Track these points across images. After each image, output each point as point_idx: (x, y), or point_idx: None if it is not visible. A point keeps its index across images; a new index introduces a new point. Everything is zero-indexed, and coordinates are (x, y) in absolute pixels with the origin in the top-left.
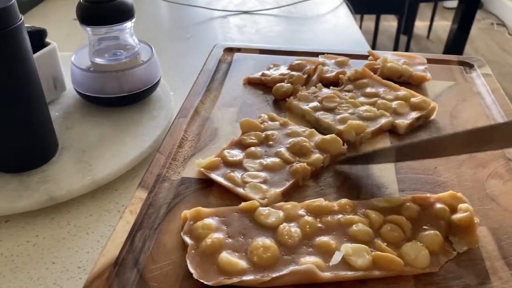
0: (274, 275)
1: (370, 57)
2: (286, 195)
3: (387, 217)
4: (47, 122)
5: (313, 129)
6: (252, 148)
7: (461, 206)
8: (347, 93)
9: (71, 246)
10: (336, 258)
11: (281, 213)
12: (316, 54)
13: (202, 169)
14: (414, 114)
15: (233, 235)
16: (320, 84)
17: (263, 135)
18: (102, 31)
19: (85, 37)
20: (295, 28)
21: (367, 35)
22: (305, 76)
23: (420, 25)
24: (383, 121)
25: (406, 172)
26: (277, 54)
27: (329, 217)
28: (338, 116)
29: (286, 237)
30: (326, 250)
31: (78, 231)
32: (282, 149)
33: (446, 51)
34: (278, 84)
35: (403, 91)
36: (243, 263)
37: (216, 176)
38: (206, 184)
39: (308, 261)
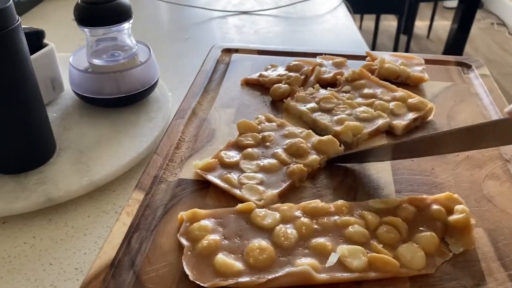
0: (270, 277)
1: (368, 58)
2: (283, 196)
3: (383, 218)
4: (45, 123)
5: (310, 130)
6: (249, 149)
7: (458, 207)
8: (344, 94)
9: (68, 247)
10: (332, 259)
11: (277, 215)
12: (314, 55)
13: (198, 170)
14: (411, 115)
15: (229, 236)
16: (317, 85)
17: (260, 136)
18: (100, 32)
19: (84, 37)
20: (294, 28)
21: (367, 35)
22: (302, 77)
23: (420, 24)
24: (380, 122)
25: (403, 173)
26: (275, 55)
27: (325, 219)
28: (335, 117)
29: (282, 238)
30: (322, 251)
31: (75, 232)
32: (279, 150)
33: (446, 51)
34: (275, 85)
35: (400, 92)
36: (239, 265)
37: (212, 178)
38: (203, 185)
39: (304, 263)
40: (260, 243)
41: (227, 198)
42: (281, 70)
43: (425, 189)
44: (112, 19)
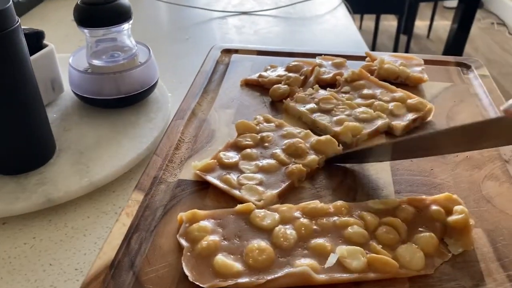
0: (269, 278)
1: (367, 59)
2: (282, 197)
3: (383, 219)
4: (45, 124)
5: (308, 131)
6: (248, 150)
7: (457, 208)
8: (343, 95)
9: (68, 248)
10: (331, 260)
11: (276, 215)
12: (313, 56)
13: (198, 171)
14: (410, 116)
15: (229, 237)
16: (317, 86)
17: (259, 137)
18: (99, 33)
19: (84, 38)
20: (294, 28)
21: (367, 35)
22: (302, 77)
23: (420, 24)
24: (379, 122)
25: (402, 173)
26: (274, 55)
27: (324, 219)
28: (335, 118)
29: (282, 239)
30: (321, 252)
31: (75, 233)
32: (278, 151)
33: (446, 51)
34: (275, 86)
35: (399, 93)
36: (238, 266)
37: (212, 179)
38: (202, 186)
39: (303, 263)
40: (259, 243)
41: (226, 199)
42: (280, 71)
43: (424, 189)
44: (112, 20)
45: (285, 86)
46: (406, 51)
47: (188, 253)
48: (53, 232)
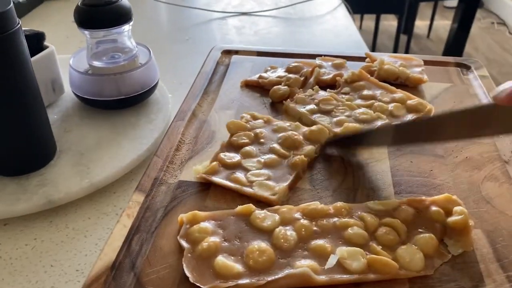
0: (269, 279)
1: (367, 59)
2: (291, 189)
3: (382, 220)
4: (46, 125)
5: (297, 123)
6: (247, 148)
7: (456, 208)
8: (343, 96)
9: (69, 249)
10: (331, 261)
11: (277, 217)
12: (313, 56)
13: (203, 175)
14: (410, 117)
15: (229, 238)
16: (317, 87)
17: (253, 134)
18: (100, 35)
19: (84, 39)
20: (294, 29)
21: (367, 35)
22: (302, 78)
23: (420, 24)
24: (379, 123)
25: (402, 174)
26: (274, 56)
27: (324, 220)
28: (335, 119)
29: (282, 240)
30: (322, 253)
31: (76, 234)
32: (275, 145)
33: (446, 51)
34: (275, 87)
35: (399, 94)
36: (238, 267)
37: (220, 180)
38: (203, 187)
39: (304, 265)
40: (259, 245)
41: (227, 200)
42: (280, 72)
43: (424, 190)
44: (112, 22)
45: (285, 87)
46: (406, 51)
47: (189, 254)
48: (54, 233)
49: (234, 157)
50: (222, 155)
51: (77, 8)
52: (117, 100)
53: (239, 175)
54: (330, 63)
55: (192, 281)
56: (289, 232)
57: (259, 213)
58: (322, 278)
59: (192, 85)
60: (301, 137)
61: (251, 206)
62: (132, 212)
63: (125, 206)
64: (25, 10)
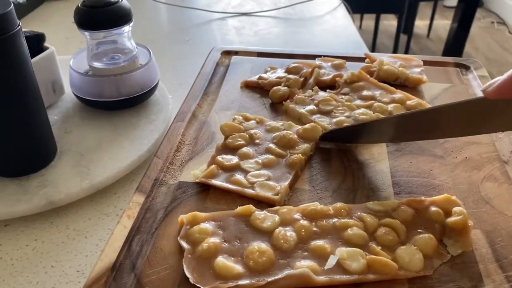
0: (269, 279)
1: (367, 60)
2: (291, 188)
3: (382, 220)
4: (46, 126)
5: (290, 122)
6: (244, 149)
7: (456, 209)
8: (343, 96)
9: (70, 250)
10: (331, 262)
11: (276, 217)
12: (313, 57)
13: (202, 179)
14: None
15: (229, 239)
16: (316, 87)
17: (247, 136)
18: (100, 36)
19: (84, 40)
20: (294, 29)
21: (367, 35)
22: (301, 79)
23: (420, 24)
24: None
25: (402, 175)
26: (274, 57)
27: (324, 221)
28: (335, 119)
29: (282, 241)
30: (321, 254)
31: (77, 235)
32: (271, 145)
33: (446, 50)
34: (275, 88)
35: (399, 94)
36: (239, 268)
37: (220, 183)
38: (203, 188)
39: (303, 265)
40: (259, 245)
41: (227, 201)
42: (280, 72)
43: (424, 190)
44: (112, 23)
45: (285, 87)
46: (406, 50)
47: (189, 255)
48: (55, 234)
49: (232, 159)
50: (219, 158)
51: (77, 9)
52: (117, 101)
53: (239, 177)
54: (329, 64)
55: (192, 282)
56: (289, 233)
57: (259, 214)
58: (322, 278)
59: (192, 86)
60: (295, 135)
61: (251, 207)
62: (132, 213)
63: (126, 207)
64: (25, 11)
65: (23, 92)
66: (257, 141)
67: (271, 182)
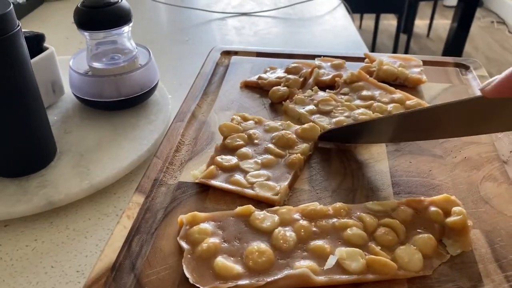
0: (269, 279)
1: (366, 60)
2: (291, 188)
3: (381, 220)
4: (46, 126)
5: (289, 122)
6: (243, 150)
7: (455, 209)
8: (343, 96)
9: (69, 250)
10: (331, 262)
11: (276, 218)
12: (312, 57)
13: (202, 180)
14: None
15: (229, 239)
16: (316, 87)
17: (246, 136)
18: (100, 36)
19: (84, 40)
20: (293, 29)
21: (367, 34)
22: (301, 79)
23: (420, 23)
24: None
25: (401, 175)
26: (274, 57)
27: (323, 221)
28: (334, 119)
29: (281, 241)
30: (321, 254)
31: (76, 235)
32: (270, 145)
33: (446, 50)
34: (274, 88)
35: (398, 94)
36: (238, 268)
37: (219, 184)
38: (202, 188)
39: (303, 265)
40: (259, 246)
41: (226, 201)
42: (280, 73)
43: (423, 190)
44: (112, 23)
45: (285, 88)
46: (406, 50)
47: (189, 256)
48: (55, 234)
49: (231, 159)
50: (219, 158)
51: (76, 9)
52: (117, 101)
53: (239, 177)
54: (329, 64)
55: (192, 282)
56: (289, 233)
57: (259, 214)
58: (322, 278)
59: (191, 86)
60: (294, 135)
61: (250, 207)
62: (132, 213)
63: (125, 207)
64: (25, 11)
65: (22, 93)
66: (256, 141)
67: (270, 182)
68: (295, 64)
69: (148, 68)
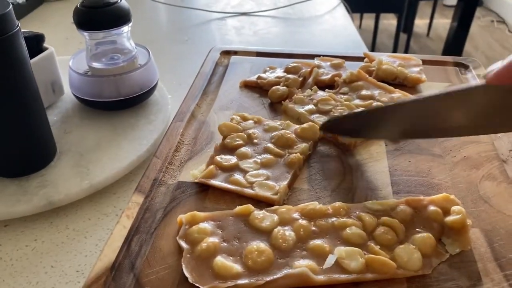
0: (268, 279)
1: (366, 59)
2: (290, 187)
3: (381, 219)
4: (45, 126)
5: (288, 121)
6: (242, 149)
7: (454, 208)
8: (342, 96)
9: (69, 250)
10: (330, 261)
11: (275, 217)
12: (312, 57)
13: (201, 179)
14: None
15: (228, 239)
16: (315, 87)
17: (246, 135)
18: (99, 36)
19: (83, 40)
20: (293, 29)
21: (367, 34)
22: (300, 79)
23: (420, 23)
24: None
25: (400, 174)
26: (273, 56)
27: (323, 221)
28: None
29: (281, 240)
30: (320, 253)
31: (76, 235)
32: (269, 145)
33: (446, 49)
34: (274, 87)
35: (398, 93)
36: (237, 267)
37: (219, 183)
38: (202, 188)
39: (302, 264)
40: (258, 245)
41: (226, 200)
42: (279, 72)
43: (422, 190)
44: (112, 23)
45: (284, 87)
46: (406, 49)
47: (188, 255)
48: (55, 234)
49: (231, 159)
50: (218, 158)
51: (76, 9)
52: (116, 101)
53: (238, 176)
54: (328, 63)
55: (191, 282)
56: (288, 232)
57: (258, 213)
58: (321, 278)
59: (191, 85)
60: (293, 135)
61: (250, 206)
62: (131, 213)
63: (125, 207)
64: (25, 12)
65: (22, 93)
66: (255, 141)
67: (270, 182)
68: (294, 64)
69: (148, 68)
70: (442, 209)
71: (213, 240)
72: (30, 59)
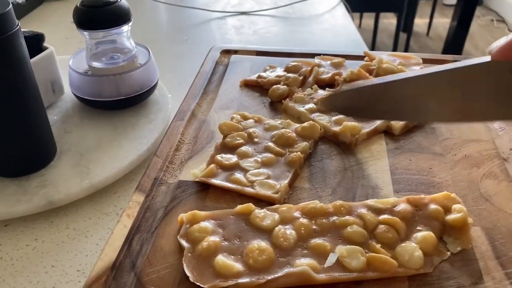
0: (269, 277)
1: (366, 58)
2: (291, 186)
3: (381, 218)
4: (45, 126)
5: (288, 120)
6: (243, 148)
7: (455, 206)
8: None
9: (70, 250)
10: (331, 259)
11: (276, 216)
12: (312, 56)
13: (202, 178)
14: None
15: (229, 238)
16: (315, 86)
17: (246, 134)
18: (99, 35)
19: (83, 40)
20: (293, 28)
21: (367, 33)
22: (301, 78)
23: (420, 22)
24: (378, 122)
25: (401, 173)
26: (273, 55)
27: (324, 219)
28: (334, 118)
29: (281, 239)
30: (321, 252)
31: (77, 234)
32: (270, 144)
33: (446, 48)
34: (274, 86)
35: None
36: (238, 266)
37: (219, 182)
38: (202, 187)
39: (303, 263)
40: (259, 244)
41: (226, 199)
42: (279, 71)
43: (423, 188)
44: (111, 22)
45: (284, 86)
46: (406, 49)
47: (189, 254)
48: (55, 233)
49: (231, 158)
50: (219, 157)
51: (76, 9)
52: (116, 101)
53: (239, 175)
54: (328, 62)
55: (192, 281)
56: (289, 231)
57: (259, 212)
58: (322, 276)
59: (191, 85)
60: (294, 134)
61: (250, 205)
62: (132, 212)
63: (126, 206)
64: (25, 11)
65: (22, 92)
66: (256, 139)
67: (270, 181)
68: (294, 63)
69: (148, 68)
70: (443, 208)
71: (214, 239)
72: (30, 58)
